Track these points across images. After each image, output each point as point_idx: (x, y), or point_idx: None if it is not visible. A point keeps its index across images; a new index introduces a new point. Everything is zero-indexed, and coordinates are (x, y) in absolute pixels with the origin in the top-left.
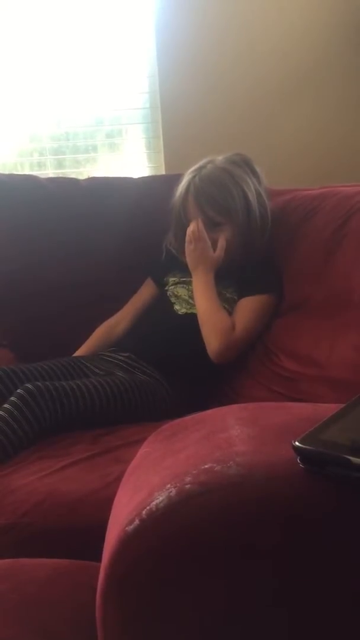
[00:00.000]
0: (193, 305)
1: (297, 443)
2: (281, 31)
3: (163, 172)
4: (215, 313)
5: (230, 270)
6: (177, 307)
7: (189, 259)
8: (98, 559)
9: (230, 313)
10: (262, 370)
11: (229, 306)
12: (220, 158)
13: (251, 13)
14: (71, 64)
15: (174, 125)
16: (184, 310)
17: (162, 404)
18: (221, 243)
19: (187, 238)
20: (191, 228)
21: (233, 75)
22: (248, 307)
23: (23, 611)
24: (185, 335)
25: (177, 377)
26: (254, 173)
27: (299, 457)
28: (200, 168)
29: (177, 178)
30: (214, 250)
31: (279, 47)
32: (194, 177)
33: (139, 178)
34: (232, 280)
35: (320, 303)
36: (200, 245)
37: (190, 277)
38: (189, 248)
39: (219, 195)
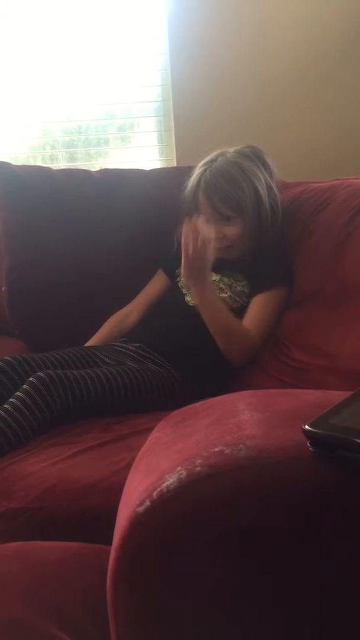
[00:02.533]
0: None
1: (307, 427)
2: (292, 24)
3: (174, 165)
4: (230, 326)
5: (241, 264)
6: (188, 298)
7: (186, 273)
8: (108, 542)
9: (242, 305)
10: (272, 361)
11: (240, 299)
12: (231, 151)
13: (263, 6)
14: (83, 57)
15: (186, 119)
16: (194, 302)
17: (172, 394)
18: (231, 235)
19: (183, 250)
20: (190, 247)
21: (245, 68)
22: (262, 305)
23: (34, 592)
24: (196, 326)
25: (188, 367)
26: (265, 166)
27: (308, 441)
28: (211, 161)
29: (188, 170)
30: (225, 243)
31: (290, 39)
32: (204, 170)
33: (151, 170)
34: (243, 273)
35: (330, 295)
36: (200, 264)
37: None
38: (185, 262)
39: (230, 189)
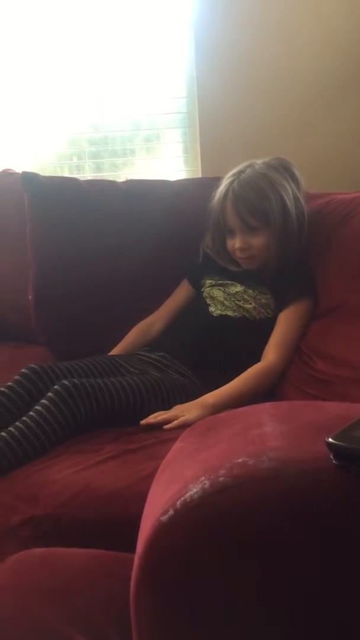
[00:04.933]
0: (228, 307)
1: (330, 439)
2: (320, 36)
3: (199, 176)
4: (250, 389)
5: (266, 276)
6: (212, 308)
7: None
8: (132, 550)
9: (266, 317)
10: (295, 373)
11: (264, 311)
12: (259, 162)
13: (290, 18)
14: (110, 69)
15: (211, 130)
16: (218, 312)
17: None
18: (257, 245)
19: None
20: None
21: (270, 80)
22: (288, 322)
23: (58, 598)
24: (219, 336)
25: (211, 377)
26: (293, 178)
27: (332, 453)
28: (240, 172)
29: (213, 181)
30: (250, 254)
31: (317, 52)
32: (232, 181)
33: (176, 180)
34: (268, 286)
35: (355, 306)
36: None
37: (227, 279)
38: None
39: (257, 200)
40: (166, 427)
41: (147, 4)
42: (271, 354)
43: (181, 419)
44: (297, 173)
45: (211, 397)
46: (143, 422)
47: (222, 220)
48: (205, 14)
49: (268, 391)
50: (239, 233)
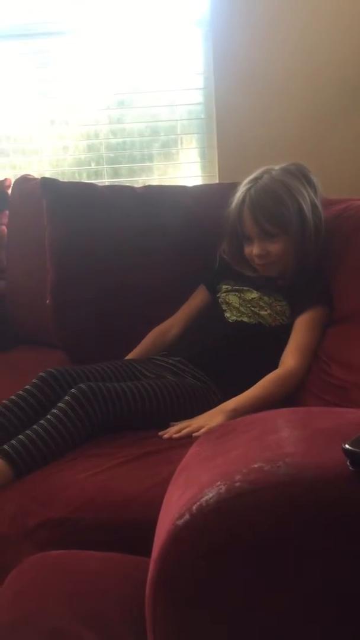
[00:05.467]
0: (243, 313)
1: (347, 446)
2: (338, 42)
3: (216, 182)
4: (272, 393)
5: (282, 284)
6: (227, 314)
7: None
8: (147, 554)
9: (281, 324)
10: (312, 379)
11: (280, 318)
12: (276, 168)
13: (307, 25)
14: (129, 75)
15: (228, 136)
16: (234, 318)
17: (211, 408)
18: (274, 252)
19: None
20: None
21: (288, 86)
22: (305, 327)
23: (74, 600)
24: (234, 342)
25: (227, 382)
26: (310, 184)
27: (348, 460)
28: (257, 179)
29: (230, 187)
30: (267, 260)
31: (335, 57)
32: (249, 188)
33: (193, 186)
34: (283, 294)
35: None
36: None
37: (243, 285)
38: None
39: (274, 207)
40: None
41: (167, 10)
42: (290, 359)
43: (205, 429)
44: (315, 179)
45: (232, 403)
46: (166, 435)
47: (239, 227)
48: (223, 20)
49: (288, 396)
50: (256, 240)
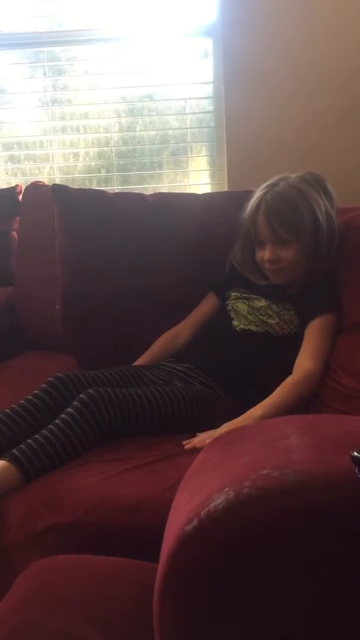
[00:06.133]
0: (251, 322)
1: (355, 453)
2: (348, 51)
3: (226, 190)
4: (296, 397)
5: (291, 292)
6: (235, 322)
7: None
8: (155, 559)
9: (289, 333)
10: (321, 387)
11: (287, 327)
12: (293, 176)
13: (318, 34)
14: (139, 81)
15: (238, 144)
16: (241, 327)
17: (218, 415)
18: (286, 258)
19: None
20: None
21: (298, 95)
22: (317, 332)
23: (82, 604)
24: (242, 349)
25: (234, 390)
26: (327, 193)
27: (357, 467)
28: (273, 185)
29: (240, 195)
30: (279, 266)
31: (345, 66)
32: (265, 193)
33: (203, 194)
34: (291, 302)
35: None
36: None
37: (252, 293)
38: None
39: (289, 213)
40: None
41: (177, 20)
42: (307, 362)
43: None
44: (331, 189)
45: (259, 409)
46: (188, 446)
47: (253, 232)
48: (233, 30)
49: (310, 399)
50: (269, 244)
